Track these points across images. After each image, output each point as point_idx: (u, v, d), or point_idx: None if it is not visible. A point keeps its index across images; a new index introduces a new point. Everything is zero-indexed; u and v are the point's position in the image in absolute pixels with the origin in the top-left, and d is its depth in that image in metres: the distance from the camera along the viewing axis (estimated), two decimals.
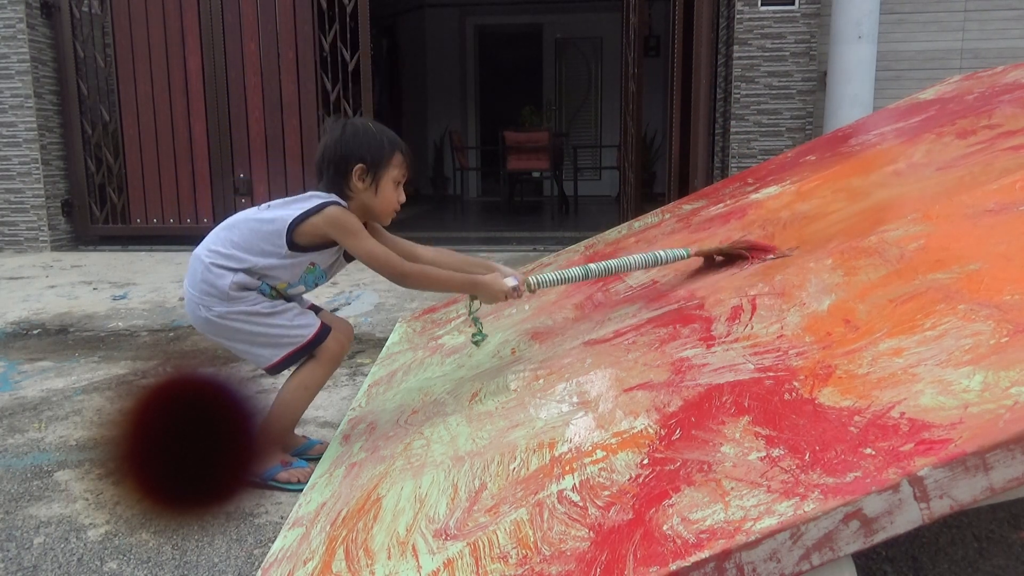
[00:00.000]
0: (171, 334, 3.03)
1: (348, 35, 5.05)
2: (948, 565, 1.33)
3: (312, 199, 1.62)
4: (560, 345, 1.62)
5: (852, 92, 4.26)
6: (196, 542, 1.44)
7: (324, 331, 1.66)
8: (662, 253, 1.72)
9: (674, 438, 1.02)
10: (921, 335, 1.02)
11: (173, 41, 5.14)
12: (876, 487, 0.78)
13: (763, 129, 4.63)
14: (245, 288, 1.61)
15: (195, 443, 1.17)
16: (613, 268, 1.69)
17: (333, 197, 1.61)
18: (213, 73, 5.14)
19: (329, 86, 5.11)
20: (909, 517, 0.78)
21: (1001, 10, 4.47)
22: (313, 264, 1.65)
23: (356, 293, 3.73)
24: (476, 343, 1.72)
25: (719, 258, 1.73)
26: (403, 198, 1.68)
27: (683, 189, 5.01)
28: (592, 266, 1.67)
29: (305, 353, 1.65)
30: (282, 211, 1.61)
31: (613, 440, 1.09)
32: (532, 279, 1.64)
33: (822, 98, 4.51)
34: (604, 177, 9.09)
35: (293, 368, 1.68)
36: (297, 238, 1.59)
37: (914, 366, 0.96)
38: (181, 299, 3.63)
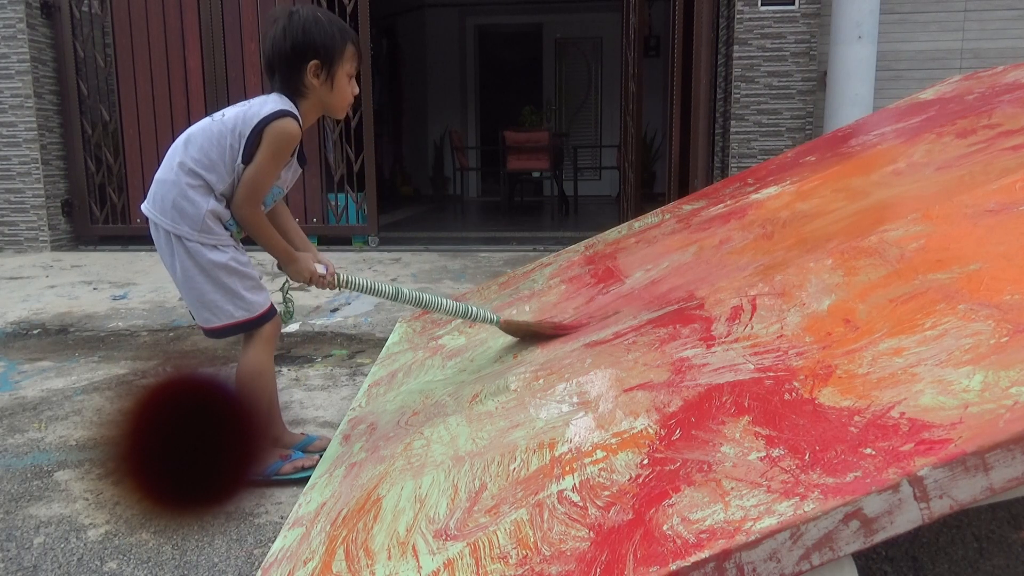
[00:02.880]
0: (171, 334, 3.03)
1: None
2: (948, 565, 1.33)
3: (267, 104, 1.55)
4: (560, 346, 1.62)
5: (852, 92, 4.26)
6: (196, 542, 1.44)
7: (271, 312, 1.64)
8: (474, 310, 1.75)
9: (674, 438, 1.02)
10: (921, 335, 1.02)
11: (173, 41, 5.14)
12: (876, 487, 0.78)
13: (763, 129, 4.63)
14: (218, 218, 1.56)
15: (194, 443, 1.17)
16: (425, 302, 1.71)
17: (287, 107, 1.55)
18: (213, 73, 5.14)
19: None
20: (909, 517, 0.78)
21: (1001, 10, 4.47)
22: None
23: (356, 294, 3.73)
24: (284, 318, 1.73)
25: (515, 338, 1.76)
26: (356, 90, 1.64)
27: (683, 189, 5.01)
28: (404, 290, 1.69)
29: (246, 328, 1.61)
30: (240, 122, 1.54)
31: (613, 440, 1.09)
32: (343, 275, 1.66)
33: (822, 98, 4.51)
34: (604, 177, 9.09)
35: (240, 346, 1.65)
36: (253, 150, 1.54)
37: (914, 366, 0.96)
38: (181, 299, 3.63)
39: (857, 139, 2.36)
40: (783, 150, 3.98)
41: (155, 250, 1.63)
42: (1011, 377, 0.85)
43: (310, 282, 1.63)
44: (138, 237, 5.25)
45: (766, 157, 4.46)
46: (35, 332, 3.10)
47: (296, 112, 1.57)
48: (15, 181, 5.12)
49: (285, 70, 1.56)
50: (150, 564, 1.37)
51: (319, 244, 5.17)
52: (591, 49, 9.25)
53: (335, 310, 3.38)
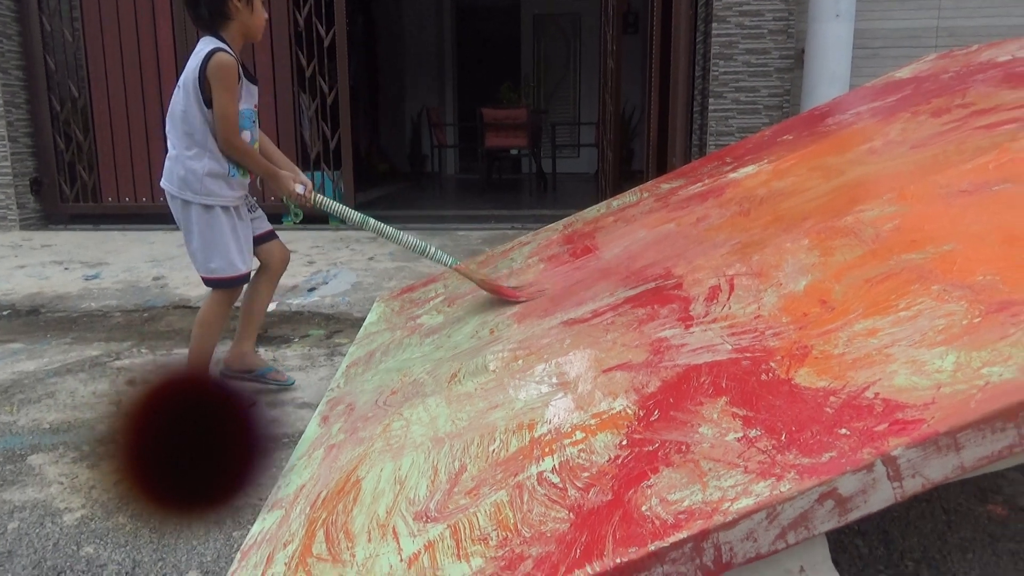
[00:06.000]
0: (145, 314, 2.99)
1: (323, 10, 4.96)
2: (918, 538, 1.36)
3: (199, 53, 1.80)
4: (539, 325, 1.62)
5: (829, 70, 4.27)
6: (174, 525, 1.43)
7: (242, 279, 1.93)
8: (431, 249, 1.96)
9: (652, 419, 1.03)
10: (895, 316, 1.03)
11: (143, 14, 5.02)
12: (851, 467, 0.79)
13: (741, 107, 4.64)
14: (215, 176, 1.84)
15: (191, 445, 1.16)
16: (387, 234, 1.96)
17: (215, 44, 1.79)
18: (185, 47, 5.02)
19: (304, 62, 5.03)
20: (882, 496, 0.79)
21: None
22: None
23: (333, 272, 3.70)
24: (290, 220, 2.05)
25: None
26: (266, 14, 1.94)
27: (661, 167, 5.02)
28: (371, 220, 1.95)
29: (218, 285, 1.91)
30: (185, 77, 1.81)
31: (592, 421, 1.09)
32: (318, 197, 1.97)
33: (799, 76, 4.51)
34: (582, 154, 9.07)
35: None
36: (210, 94, 1.78)
37: (888, 347, 0.97)
38: (155, 278, 3.58)
39: (834, 118, 2.37)
40: (761, 128, 3.99)
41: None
42: (983, 358, 0.87)
43: (291, 196, 1.94)
44: (109, 216, 5.16)
45: (744, 135, 4.47)
46: (5, 313, 3.04)
47: (224, 46, 1.81)
48: None
49: (212, 3, 1.82)
50: (127, 548, 1.36)
51: None
52: (570, 25, 9.18)
53: (312, 289, 3.36)
